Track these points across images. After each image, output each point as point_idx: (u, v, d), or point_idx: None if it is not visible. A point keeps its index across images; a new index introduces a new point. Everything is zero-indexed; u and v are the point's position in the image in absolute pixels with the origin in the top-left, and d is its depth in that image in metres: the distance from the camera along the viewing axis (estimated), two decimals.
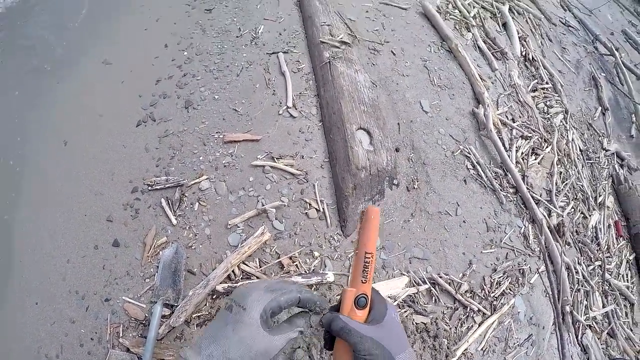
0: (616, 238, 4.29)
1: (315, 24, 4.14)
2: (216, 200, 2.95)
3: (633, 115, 6.29)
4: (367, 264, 0.83)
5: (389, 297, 2.66)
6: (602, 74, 6.67)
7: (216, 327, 0.79)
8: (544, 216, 3.64)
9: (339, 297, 0.86)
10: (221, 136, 3.28)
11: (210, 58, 4.02)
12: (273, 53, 4.03)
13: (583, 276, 3.59)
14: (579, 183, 4.37)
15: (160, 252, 2.65)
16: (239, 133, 3.30)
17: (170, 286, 2.50)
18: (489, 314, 2.90)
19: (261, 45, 4.14)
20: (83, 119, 3.54)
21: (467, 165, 3.63)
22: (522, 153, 4.06)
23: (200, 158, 3.17)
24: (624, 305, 3.83)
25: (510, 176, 3.73)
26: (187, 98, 3.61)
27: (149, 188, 2.97)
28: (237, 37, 4.26)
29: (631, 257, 4.27)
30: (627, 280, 4.05)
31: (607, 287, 3.77)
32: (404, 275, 2.82)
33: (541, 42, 6.19)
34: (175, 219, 2.81)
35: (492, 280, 3.06)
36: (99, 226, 2.83)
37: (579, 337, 3.20)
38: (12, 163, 3.32)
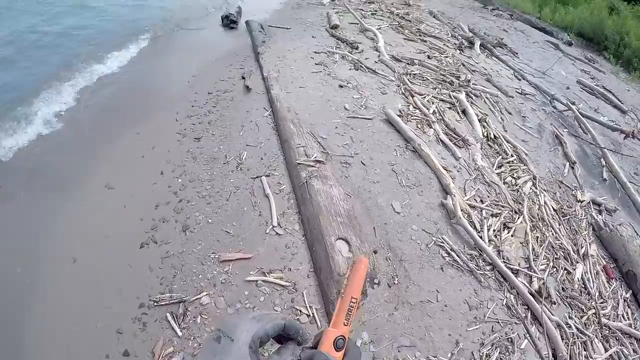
0: (608, 282, 4.44)
1: (291, 147, 4.72)
2: (216, 313, 3.29)
3: (602, 159, 6.63)
4: (351, 308, 0.84)
5: None
6: (565, 129, 7.16)
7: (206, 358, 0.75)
8: (524, 284, 3.89)
9: (315, 337, 0.87)
10: (217, 256, 3.70)
11: (202, 185, 4.52)
12: (257, 177, 4.56)
13: (577, 328, 3.75)
14: (557, 242, 4.62)
15: None
16: (232, 253, 3.73)
17: None
18: None
19: (246, 170, 4.67)
20: (90, 239, 3.93)
21: (442, 254, 3.99)
22: (494, 230, 4.39)
23: (200, 276, 3.55)
24: (630, 343, 3.89)
25: (485, 255, 4.05)
26: (184, 222, 4.05)
27: (155, 304, 3.31)
28: (224, 163, 4.80)
29: (628, 295, 4.38)
30: (629, 318, 4.13)
31: (607, 332, 3.88)
32: None
33: (501, 118, 6.74)
34: (181, 331, 3.14)
35: (481, 354, 3.29)
36: (109, 337, 3.12)
37: None
38: (20, 271, 3.62)
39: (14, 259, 3.75)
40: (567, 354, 3.47)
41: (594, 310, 3.99)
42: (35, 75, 6.80)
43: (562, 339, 3.57)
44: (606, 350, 3.69)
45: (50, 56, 7.63)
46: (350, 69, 7.38)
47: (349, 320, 0.84)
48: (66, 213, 4.22)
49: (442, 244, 4.07)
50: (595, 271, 4.45)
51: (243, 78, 6.90)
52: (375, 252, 3.81)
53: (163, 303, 3.31)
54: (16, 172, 4.76)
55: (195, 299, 3.36)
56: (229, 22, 9.93)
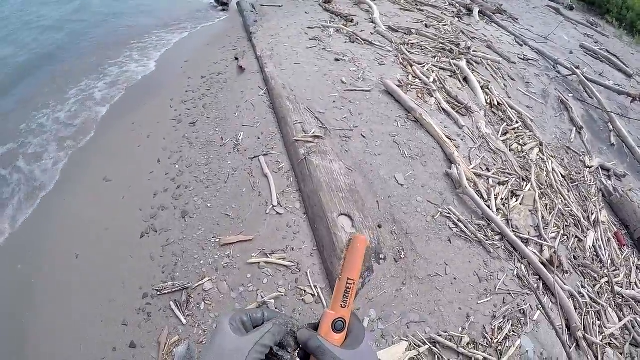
0: (619, 249, 4.33)
1: (288, 124, 4.57)
2: (219, 298, 3.22)
3: (609, 124, 6.47)
4: (348, 290, 0.83)
5: None
6: (570, 94, 6.97)
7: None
8: (535, 253, 3.77)
9: (318, 319, 0.87)
10: (217, 240, 3.61)
11: (199, 169, 4.42)
12: (254, 157, 4.43)
13: (590, 298, 3.65)
14: (567, 209, 4.49)
15: (174, 349, 2.89)
16: (233, 236, 3.63)
17: None
18: (496, 359, 3.01)
19: (243, 151, 4.55)
20: (91, 233, 3.90)
21: (449, 225, 3.85)
22: (502, 199, 4.25)
23: (201, 262, 3.47)
24: None
25: (493, 224, 3.91)
26: (183, 208, 3.98)
27: (158, 293, 3.26)
28: (220, 146, 4.69)
29: None
30: None
31: (620, 301, 3.78)
32: (403, 340, 3.00)
33: (504, 84, 6.55)
34: (185, 318, 3.09)
35: (493, 327, 3.18)
36: (115, 330, 3.10)
37: (600, 358, 3.25)
38: (20, 267, 3.63)
39: (14, 256, 3.75)
40: (581, 324, 3.37)
41: (606, 279, 3.89)
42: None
43: (575, 309, 3.46)
44: (620, 320, 3.59)
45: None
46: (345, 42, 7.22)
47: (346, 303, 0.83)
48: (66, 209, 4.19)
49: (448, 215, 3.93)
50: (606, 238, 4.34)
51: (236, 59, 6.82)
52: (379, 226, 3.68)
53: (166, 292, 3.26)
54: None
55: (198, 285, 3.29)
56: (220, 4, 9.88)
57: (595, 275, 3.91)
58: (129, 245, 3.73)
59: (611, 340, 3.43)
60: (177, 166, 4.52)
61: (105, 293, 3.35)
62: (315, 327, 0.87)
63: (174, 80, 6.49)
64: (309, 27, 7.83)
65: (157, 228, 3.83)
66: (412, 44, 7.29)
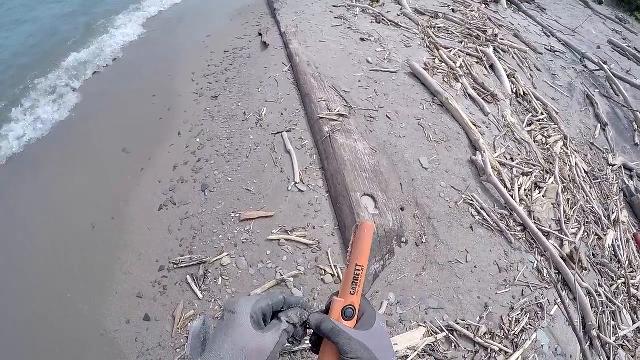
0: (638, 251, 4.26)
1: (313, 101, 4.50)
2: (237, 274, 3.20)
3: (634, 123, 6.37)
4: (357, 276, 0.82)
5: (407, 348, 2.82)
6: (596, 90, 6.83)
7: (213, 337, 0.82)
8: (556, 247, 3.71)
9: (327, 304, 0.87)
10: (237, 215, 3.58)
11: (221, 143, 4.39)
12: (277, 133, 4.37)
13: (606, 297, 3.60)
14: (588, 205, 4.42)
15: (189, 324, 2.87)
16: (254, 211, 3.59)
17: (200, 355, 2.71)
18: (512, 352, 2.97)
19: (266, 126, 4.49)
20: (108, 205, 3.90)
21: (471, 213, 3.79)
22: (525, 190, 4.18)
23: (220, 236, 3.45)
24: None
25: (516, 215, 3.85)
26: (203, 182, 3.95)
27: (175, 266, 3.25)
28: (243, 121, 4.64)
29: None
30: None
31: (635, 303, 3.74)
32: (421, 326, 2.97)
33: (530, 75, 6.42)
34: (201, 293, 3.07)
35: (511, 319, 3.14)
36: (129, 302, 3.09)
37: (612, 359, 3.22)
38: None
39: (33, 225, 3.77)
40: (596, 323, 3.33)
41: (623, 280, 3.85)
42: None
43: (591, 307, 3.43)
44: (634, 322, 3.57)
45: None
46: (371, 23, 7.07)
47: (355, 290, 0.83)
48: (83, 180, 4.19)
49: (471, 202, 3.87)
50: (626, 239, 4.28)
51: (260, 35, 6.75)
52: (402, 209, 3.63)
53: (183, 265, 3.25)
54: (33, 149, 4.78)
55: (216, 260, 3.27)
56: None
57: (613, 275, 3.86)
58: (147, 217, 3.72)
59: (624, 342, 3.41)
60: (198, 139, 4.49)
61: (121, 265, 3.36)
62: (325, 312, 0.87)
63: (195, 54, 6.44)
64: (334, 6, 7.68)
65: (176, 201, 3.81)
66: (439, 27, 7.14)
